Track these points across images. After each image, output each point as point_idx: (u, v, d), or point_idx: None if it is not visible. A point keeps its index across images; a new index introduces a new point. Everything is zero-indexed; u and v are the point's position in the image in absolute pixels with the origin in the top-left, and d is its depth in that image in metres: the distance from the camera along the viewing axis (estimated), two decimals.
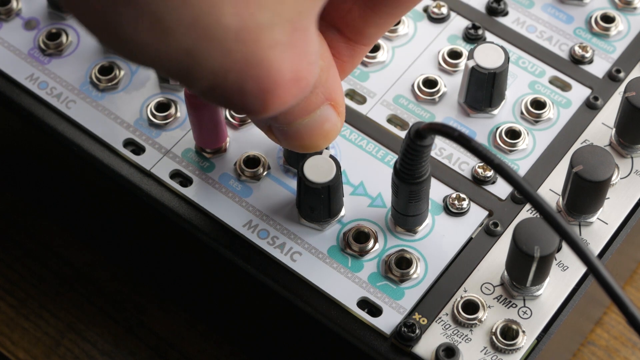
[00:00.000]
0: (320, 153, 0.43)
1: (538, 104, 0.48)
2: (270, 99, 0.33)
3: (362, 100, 0.49)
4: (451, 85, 0.49)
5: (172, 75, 0.33)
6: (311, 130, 0.39)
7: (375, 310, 0.43)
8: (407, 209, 0.44)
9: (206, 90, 0.33)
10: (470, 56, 0.46)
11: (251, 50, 0.31)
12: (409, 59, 0.50)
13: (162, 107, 0.48)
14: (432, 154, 0.47)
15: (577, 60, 0.50)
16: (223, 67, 0.32)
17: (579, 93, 0.49)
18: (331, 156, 0.43)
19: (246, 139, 0.47)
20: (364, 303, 0.44)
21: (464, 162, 0.47)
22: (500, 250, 0.45)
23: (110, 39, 0.32)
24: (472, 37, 0.50)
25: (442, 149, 0.47)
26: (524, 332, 0.43)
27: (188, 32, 0.31)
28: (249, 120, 0.48)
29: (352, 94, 0.49)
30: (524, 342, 0.42)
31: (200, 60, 0.32)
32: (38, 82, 0.49)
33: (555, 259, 0.44)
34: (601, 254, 0.45)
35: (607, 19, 0.50)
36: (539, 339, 0.43)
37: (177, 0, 0.30)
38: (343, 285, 0.44)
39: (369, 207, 0.46)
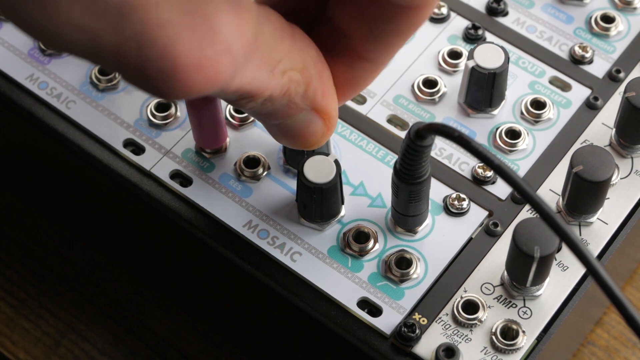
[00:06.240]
0: (327, 154, 0.43)
1: (538, 104, 0.48)
2: (172, 84, 0.33)
3: (362, 100, 0.49)
4: (451, 85, 0.49)
5: (85, 56, 0.33)
6: (297, 130, 0.40)
7: (375, 310, 0.44)
8: (407, 209, 0.44)
9: (115, 70, 0.33)
10: (470, 56, 0.46)
11: (140, 27, 0.32)
12: (409, 59, 0.50)
13: (162, 107, 0.48)
14: (432, 154, 0.47)
15: (577, 61, 0.50)
16: (118, 45, 0.32)
17: (579, 93, 0.49)
18: (335, 160, 0.43)
19: (246, 139, 0.47)
20: (364, 303, 0.44)
21: (464, 162, 0.47)
22: (500, 251, 0.45)
23: (15, 21, 0.33)
24: (472, 37, 0.50)
25: (442, 149, 0.47)
26: (524, 332, 0.43)
27: (72, 6, 0.31)
28: (249, 120, 0.48)
29: None
30: (524, 342, 0.42)
31: (94, 37, 0.32)
32: (38, 82, 0.49)
33: (555, 259, 0.44)
34: (601, 254, 0.45)
35: (607, 19, 0.50)
36: (539, 339, 0.43)
37: None
38: (343, 285, 0.44)
39: (369, 207, 0.46)
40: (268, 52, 0.36)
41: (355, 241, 0.45)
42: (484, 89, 0.47)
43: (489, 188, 0.46)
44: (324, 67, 0.39)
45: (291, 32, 0.37)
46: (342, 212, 0.45)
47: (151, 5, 0.31)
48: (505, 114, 0.48)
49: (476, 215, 0.46)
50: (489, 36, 0.50)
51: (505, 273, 0.43)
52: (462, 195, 0.46)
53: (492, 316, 0.43)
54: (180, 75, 0.32)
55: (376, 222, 0.45)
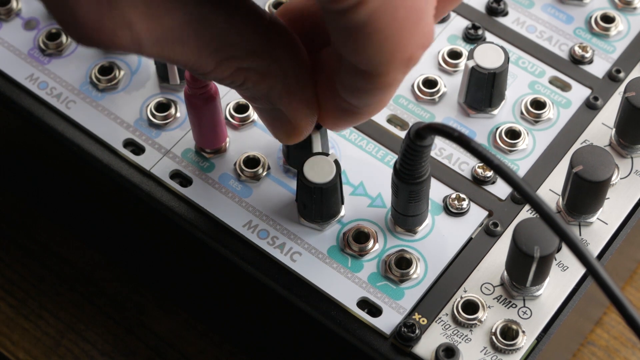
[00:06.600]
0: (327, 155, 0.43)
1: (538, 104, 0.48)
2: (74, 33, 0.36)
3: None
4: (451, 85, 0.49)
5: None
6: (266, 120, 0.41)
7: (375, 311, 0.43)
8: (407, 209, 0.44)
9: None
10: (470, 56, 0.46)
11: None
12: None
13: (162, 107, 0.48)
14: (432, 154, 0.47)
15: (577, 60, 0.50)
16: None
17: (579, 93, 0.49)
18: (335, 160, 0.43)
19: (246, 139, 0.47)
20: (364, 303, 0.44)
21: (464, 162, 0.47)
22: (500, 251, 0.45)
23: None
24: (472, 37, 0.50)
25: (442, 149, 0.47)
26: (523, 332, 0.43)
27: None
28: (249, 120, 0.48)
29: None
30: (524, 342, 0.42)
31: None
32: (38, 82, 0.49)
33: (555, 259, 0.44)
34: (601, 254, 0.45)
35: (607, 19, 0.50)
36: (539, 339, 0.43)
37: None
38: (343, 285, 0.44)
39: (369, 207, 0.46)
40: (219, 46, 0.37)
41: (355, 241, 0.45)
42: (483, 89, 0.47)
43: (489, 188, 0.46)
44: (297, 84, 0.39)
45: (266, 40, 0.37)
46: (342, 212, 0.45)
47: None
48: (505, 114, 0.48)
49: (476, 215, 0.46)
50: (489, 36, 0.50)
51: (505, 273, 0.43)
52: (462, 195, 0.46)
53: (492, 316, 0.43)
54: (80, 29, 0.35)
55: (376, 222, 0.45)
